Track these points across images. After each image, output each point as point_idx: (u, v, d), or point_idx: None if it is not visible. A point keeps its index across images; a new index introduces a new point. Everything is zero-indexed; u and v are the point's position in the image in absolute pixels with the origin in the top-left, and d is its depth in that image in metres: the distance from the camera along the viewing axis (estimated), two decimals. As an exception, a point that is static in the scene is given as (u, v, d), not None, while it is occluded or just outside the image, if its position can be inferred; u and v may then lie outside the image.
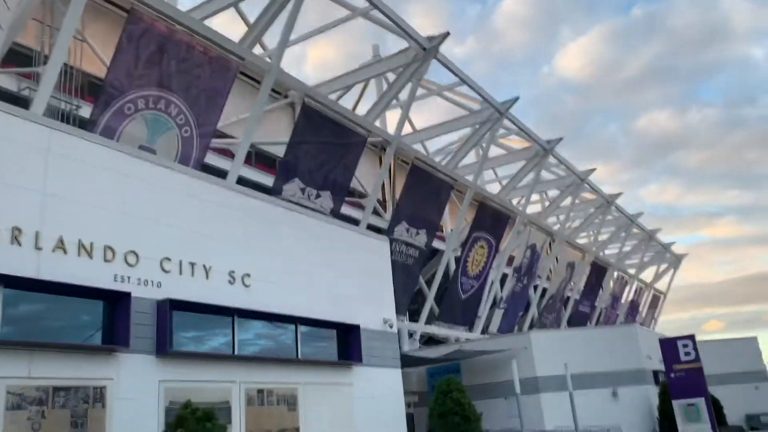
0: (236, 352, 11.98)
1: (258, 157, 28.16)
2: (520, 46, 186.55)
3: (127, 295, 10.17)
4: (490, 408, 26.56)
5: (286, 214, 14.61)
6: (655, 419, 27.79)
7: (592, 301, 47.96)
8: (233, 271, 12.30)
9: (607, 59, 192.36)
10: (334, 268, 15.26)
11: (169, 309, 10.65)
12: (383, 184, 32.81)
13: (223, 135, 25.26)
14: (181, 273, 11.36)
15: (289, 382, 12.82)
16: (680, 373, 20.25)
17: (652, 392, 28.47)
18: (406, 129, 33.84)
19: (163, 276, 11.04)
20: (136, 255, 10.73)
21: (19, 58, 17.19)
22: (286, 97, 28.68)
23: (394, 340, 16.45)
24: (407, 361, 27.69)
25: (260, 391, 12.12)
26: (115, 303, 10.21)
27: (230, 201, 13.17)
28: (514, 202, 39.73)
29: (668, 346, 20.90)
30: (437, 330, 32.37)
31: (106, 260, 10.27)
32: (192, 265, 11.60)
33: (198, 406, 9.14)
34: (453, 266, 33.86)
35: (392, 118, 31.17)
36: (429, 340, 33.55)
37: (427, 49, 25.85)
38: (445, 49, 27.89)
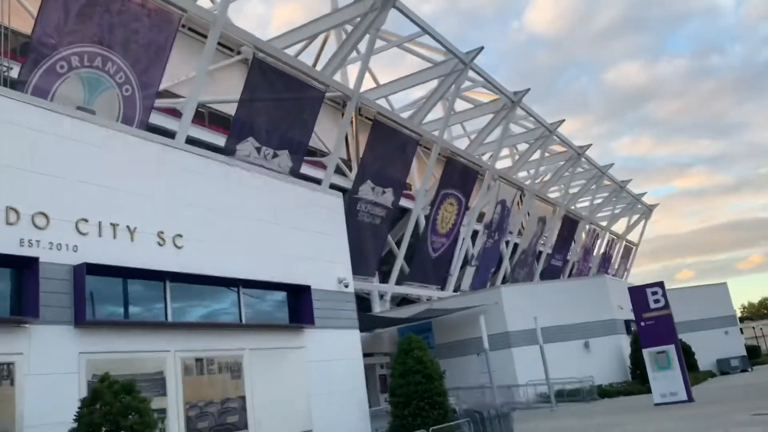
0: (169, 319, 11.06)
1: (213, 118, 26.91)
2: (490, 1, 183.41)
3: (34, 261, 9.15)
4: (464, 365, 26.22)
5: (226, 170, 13.56)
6: (627, 368, 27.76)
7: (564, 255, 47.84)
8: (162, 232, 11.28)
9: (578, 11, 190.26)
10: (283, 226, 14.31)
11: (86, 274, 9.66)
12: (347, 143, 31.78)
13: (172, 95, 23.97)
14: (100, 235, 10.33)
15: (233, 348, 12.00)
16: (650, 321, 19.83)
17: (624, 342, 28.38)
18: (370, 84, 32.69)
19: (79, 239, 10.00)
20: (46, 216, 9.67)
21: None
22: (239, 53, 27.31)
23: (350, 300, 15.67)
24: (378, 323, 27.11)
25: (199, 360, 11.28)
26: (22, 270, 9.20)
27: (159, 157, 12.06)
28: (484, 158, 38.97)
29: (637, 294, 20.43)
30: (408, 290, 31.81)
31: (9, 223, 9.21)
32: (114, 226, 10.56)
33: (119, 378, 8.23)
34: (422, 225, 33.18)
35: (355, 74, 29.89)
36: (402, 301, 33.03)
37: (384, -5, 24.65)
38: (412, 4, 26.78)
